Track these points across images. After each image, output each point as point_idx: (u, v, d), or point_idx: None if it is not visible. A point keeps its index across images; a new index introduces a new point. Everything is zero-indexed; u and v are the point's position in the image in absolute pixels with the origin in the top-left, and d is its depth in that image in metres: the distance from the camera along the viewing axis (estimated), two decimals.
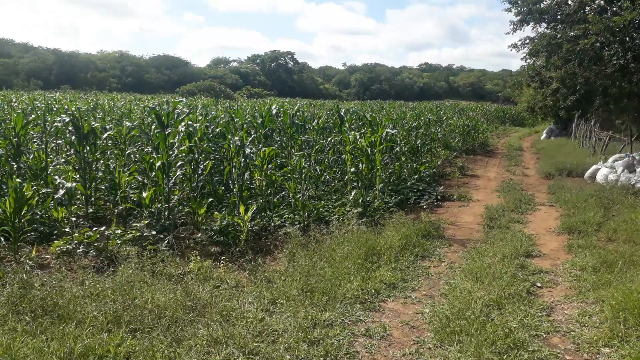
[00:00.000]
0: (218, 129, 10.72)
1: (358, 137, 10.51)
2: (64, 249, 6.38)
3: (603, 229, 8.29)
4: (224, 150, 9.62)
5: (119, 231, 6.91)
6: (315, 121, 13.36)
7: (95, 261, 6.22)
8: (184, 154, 8.59)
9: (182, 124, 8.67)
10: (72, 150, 8.59)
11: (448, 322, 4.72)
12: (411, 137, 14.91)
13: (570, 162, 15.77)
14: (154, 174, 8.01)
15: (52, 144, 11.30)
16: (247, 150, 8.67)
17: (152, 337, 4.09)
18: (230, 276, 5.84)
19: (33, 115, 12.31)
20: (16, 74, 76.14)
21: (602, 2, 12.86)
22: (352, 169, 10.23)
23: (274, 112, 12.10)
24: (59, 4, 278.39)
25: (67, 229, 6.94)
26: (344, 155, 11.05)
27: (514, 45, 15.65)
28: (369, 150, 10.06)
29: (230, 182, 9.20)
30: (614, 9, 12.46)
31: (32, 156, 9.50)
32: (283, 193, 9.24)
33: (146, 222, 7.33)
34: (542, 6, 13.78)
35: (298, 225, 8.02)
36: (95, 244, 6.48)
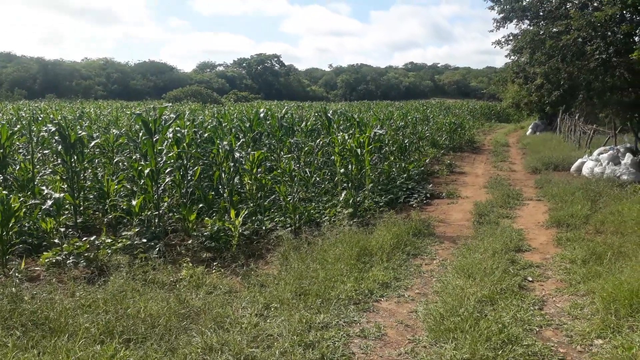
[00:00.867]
0: (206, 134, 10.68)
1: (346, 138, 10.53)
2: (54, 261, 6.30)
3: (591, 221, 8.39)
4: (213, 155, 9.58)
5: (109, 240, 6.84)
6: (304, 123, 13.37)
7: (85, 272, 6.16)
8: (172, 160, 8.54)
9: (170, 130, 8.63)
10: (59, 160, 8.50)
11: (442, 320, 4.75)
12: (399, 136, 14.98)
13: (556, 157, 15.94)
14: (142, 181, 7.96)
15: (39, 154, 11.18)
16: (237, 155, 8.65)
17: (146, 347, 4.06)
18: (223, 282, 5.81)
19: (18, 126, 12.18)
20: None
21: None
22: (342, 170, 10.25)
23: (261, 115, 12.09)
24: (42, 12, 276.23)
25: (56, 240, 6.86)
26: (333, 157, 11.06)
27: (498, 43, 15.77)
28: (357, 150, 10.08)
29: (220, 187, 9.17)
30: (595, 4, 12.62)
31: (18, 167, 9.40)
32: (273, 196, 9.23)
33: (136, 230, 7.27)
34: (524, 3, 13.91)
35: (289, 228, 8.01)
36: (86, 254, 6.41)
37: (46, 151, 11.11)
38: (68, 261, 6.25)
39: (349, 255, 6.49)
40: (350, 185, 9.87)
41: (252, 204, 8.77)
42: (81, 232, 7.80)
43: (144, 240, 7.00)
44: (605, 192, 10.24)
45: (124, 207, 8.21)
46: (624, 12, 12.07)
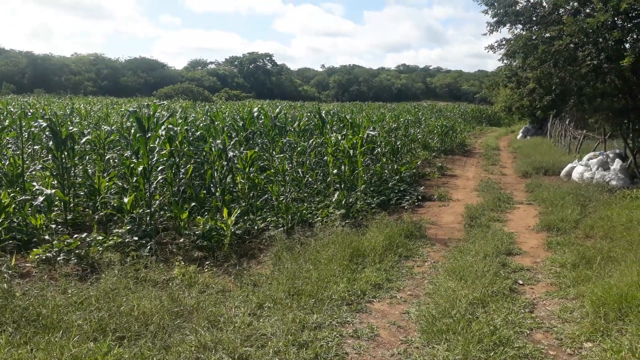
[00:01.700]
0: (199, 132, 10.64)
1: (340, 138, 10.55)
2: (44, 257, 6.25)
3: (580, 226, 8.48)
4: (205, 154, 9.55)
5: (100, 238, 6.80)
6: (297, 123, 13.37)
7: (76, 269, 6.12)
8: (164, 158, 8.50)
9: (163, 127, 8.59)
10: (49, 155, 8.43)
11: (434, 321, 4.78)
12: (391, 138, 15.02)
13: (547, 161, 16.10)
14: (134, 178, 7.92)
15: (29, 150, 11.07)
16: (230, 154, 8.63)
17: (139, 345, 4.05)
18: (216, 281, 5.80)
19: (8, 121, 12.05)
20: None
21: (575, 4, 13.10)
22: (335, 171, 10.27)
23: (255, 114, 12.07)
24: (32, 5, 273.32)
25: (46, 237, 6.80)
26: (325, 157, 11.08)
27: (491, 47, 15.80)
28: (350, 151, 10.11)
29: (212, 185, 9.14)
30: (587, 10, 12.73)
31: (7, 162, 9.30)
32: (266, 196, 9.22)
33: (127, 228, 7.23)
34: (517, 8, 13.98)
35: (282, 228, 8.01)
36: (76, 251, 6.37)
37: (36, 147, 11.01)
38: (59, 258, 6.21)
39: (341, 256, 6.51)
40: (342, 186, 9.89)
41: (244, 204, 8.76)
42: (71, 229, 7.74)
43: (135, 238, 6.96)
44: (594, 197, 10.36)
45: (115, 205, 8.16)
46: (616, 19, 12.19)
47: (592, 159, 13.75)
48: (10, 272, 5.69)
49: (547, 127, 27.26)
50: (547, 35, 12.99)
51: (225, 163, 8.61)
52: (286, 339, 4.35)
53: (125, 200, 7.62)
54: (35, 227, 7.13)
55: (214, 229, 7.35)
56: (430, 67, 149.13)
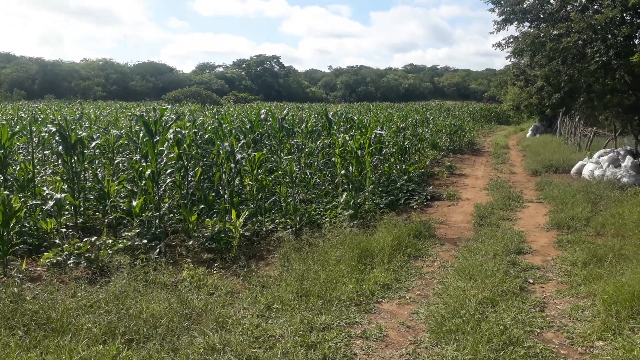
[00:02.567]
0: (207, 135, 10.68)
1: (347, 139, 10.54)
2: (54, 261, 6.30)
3: (591, 224, 8.40)
4: (213, 156, 9.59)
5: (110, 241, 6.85)
6: (304, 125, 13.38)
7: (86, 272, 6.16)
8: (173, 161, 8.54)
9: (171, 131, 8.63)
10: (59, 160, 8.50)
11: (443, 321, 4.75)
12: (399, 138, 14.99)
13: (557, 159, 15.96)
14: (143, 182, 7.96)
15: (39, 155, 11.18)
16: (238, 156, 8.65)
17: (148, 347, 4.06)
18: (224, 283, 5.81)
19: (18, 127, 12.18)
20: None
21: (583, 0, 13.03)
22: (342, 172, 10.26)
23: (262, 116, 12.10)
24: (41, 12, 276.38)
25: (56, 240, 6.87)
26: (333, 158, 11.07)
27: (499, 45, 15.75)
28: (358, 152, 10.09)
29: (220, 188, 9.17)
30: (595, 7, 12.64)
31: (18, 167, 9.39)
32: (274, 197, 9.23)
33: (137, 231, 7.28)
34: (524, 5, 13.92)
35: (290, 230, 8.01)
36: (86, 255, 6.42)
37: (46, 152, 11.11)
38: (69, 261, 6.26)
39: (350, 257, 6.50)
40: (350, 186, 9.88)
41: (252, 205, 8.77)
42: (81, 232, 7.80)
43: (145, 241, 7.00)
44: (605, 194, 10.25)
45: (125, 208, 8.22)
46: (624, 14, 12.10)
47: (602, 156, 13.62)
48: (20, 276, 5.75)
49: (557, 125, 27.05)
50: (555, 32, 12.93)
51: (234, 165, 8.63)
52: (294, 340, 4.34)
53: (134, 203, 7.67)
54: (46, 232, 7.20)
55: (223, 231, 7.38)
56: (438, 67, 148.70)
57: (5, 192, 6.61)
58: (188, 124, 10.82)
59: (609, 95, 13.69)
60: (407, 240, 7.48)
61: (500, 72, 43.73)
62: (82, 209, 8.49)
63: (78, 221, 7.98)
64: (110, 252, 6.56)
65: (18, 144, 11.33)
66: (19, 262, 6.33)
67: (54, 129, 8.33)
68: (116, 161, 9.99)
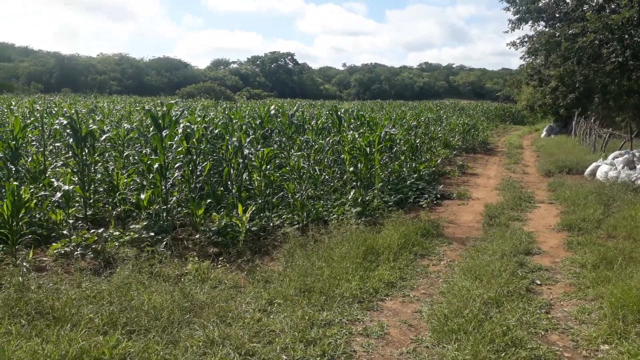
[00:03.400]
0: (217, 130, 10.71)
1: (356, 136, 10.49)
2: (62, 252, 6.36)
3: (603, 226, 8.26)
4: (222, 151, 9.60)
5: (117, 233, 6.90)
6: (314, 121, 13.35)
7: (93, 263, 6.21)
8: (181, 156, 8.57)
9: (180, 125, 8.66)
10: (70, 152, 8.58)
11: (446, 321, 4.70)
12: (411, 136, 14.89)
13: (571, 160, 15.74)
14: (152, 175, 8.00)
15: (51, 147, 11.30)
16: (246, 151, 8.66)
17: (148, 339, 4.07)
18: (228, 277, 5.82)
19: (32, 119, 12.31)
20: (17, 77, 76.41)
21: (600, 0, 12.83)
22: (351, 169, 10.21)
23: (272, 112, 12.09)
24: (59, 7, 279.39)
25: (65, 232, 6.93)
26: (342, 155, 11.03)
27: (513, 44, 15.62)
28: (367, 149, 10.04)
29: (228, 182, 9.18)
30: (612, 6, 12.45)
31: (30, 159, 9.50)
32: (282, 193, 9.23)
33: (144, 223, 7.31)
34: (540, 5, 13.76)
35: (297, 226, 8.00)
36: (93, 246, 6.47)
37: (58, 144, 11.22)
38: (76, 252, 6.31)
39: (355, 254, 6.47)
40: (359, 184, 9.83)
41: (260, 201, 8.78)
42: (90, 224, 7.86)
43: (152, 234, 7.04)
44: (619, 196, 10.08)
45: (133, 201, 8.27)
46: None
47: (617, 157, 13.40)
48: (27, 265, 5.81)
49: (572, 126, 26.69)
50: (571, 32, 12.76)
51: (242, 160, 8.64)
52: (294, 335, 4.33)
53: (143, 196, 7.71)
54: (55, 223, 7.27)
55: (229, 226, 7.39)
56: (453, 66, 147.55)
57: (16, 183, 6.68)
58: (198, 119, 10.85)
59: (625, 96, 13.50)
60: (415, 239, 7.43)
61: (516, 71, 43.29)
62: (91, 201, 8.56)
63: (87, 213, 8.04)
64: (117, 244, 6.61)
65: (31, 136, 11.48)
66: (27, 252, 6.40)
67: (65, 122, 8.40)
68: (126, 154, 10.05)
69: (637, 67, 11.92)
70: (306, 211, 8.36)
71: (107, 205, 8.94)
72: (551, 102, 23.87)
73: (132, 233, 6.97)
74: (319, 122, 13.30)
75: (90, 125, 8.93)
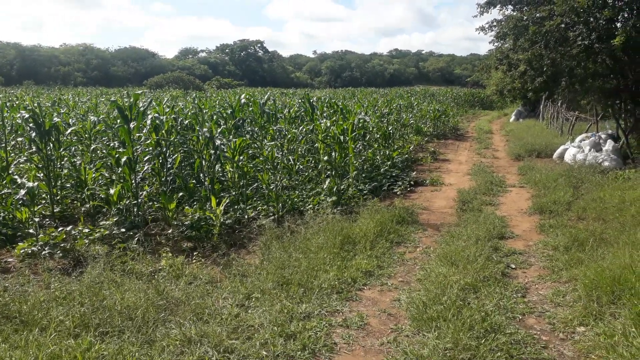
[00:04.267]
0: (186, 121, 10.47)
1: (329, 124, 10.40)
2: (29, 251, 6.12)
3: (573, 208, 8.42)
4: (193, 143, 9.40)
5: (87, 230, 6.68)
6: (287, 110, 13.20)
7: (62, 262, 6.00)
8: (151, 148, 8.35)
9: (149, 116, 8.42)
10: (34, 147, 8.25)
11: (425, 309, 4.70)
12: (383, 123, 14.89)
13: (539, 143, 16.02)
14: (120, 169, 7.77)
15: (13, 142, 10.87)
16: (217, 142, 8.48)
17: (122, 340, 3.94)
18: (204, 272, 5.70)
19: None
20: None
21: None
22: (325, 158, 10.13)
23: (243, 101, 11.89)
24: None
25: (31, 230, 6.67)
26: (316, 144, 10.94)
27: (482, 29, 15.66)
28: (341, 137, 9.97)
29: (200, 175, 9.00)
30: None
31: None
32: (256, 184, 9.10)
33: (115, 219, 7.12)
34: None
35: (272, 217, 7.90)
36: (62, 245, 6.25)
37: (20, 138, 10.81)
38: (43, 252, 6.08)
39: (332, 244, 6.42)
40: (334, 173, 9.77)
41: (234, 193, 8.64)
42: (58, 222, 7.61)
43: (123, 230, 6.85)
44: (587, 178, 10.29)
45: (102, 196, 8.03)
46: None
47: (584, 140, 13.69)
48: None
49: (540, 110, 27.17)
50: (538, 15, 12.86)
51: (213, 151, 8.46)
52: (273, 330, 4.26)
53: (112, 191, 7.48)
54: (20, 221, 7.00)
55: (203, 219, 7.25)
56: (423, 52, 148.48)
57: None
58: (167, 110, 10.58)
59: (591, 79, 13.67)
60: (390, 227, 7.43)
61: (485, 57, 43.68)
62: (58, 197, 8.28)
63: (54, 210, 7.78)
64: (86, 241, 6.40)
65: None
66: None
67: (26, 115, 8.07)
68: (93, 148, 9.75)
69: (602, 50, 12.09)
70: (281, 202, 8.27)
71: (75, 202, 8.67)
72: (520, 87, 24.18)
73: (102, 230, 6.77)
74: (291, 110, 13.16)
75: (54, 118, 8.61)
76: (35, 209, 6.99)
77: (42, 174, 7.95)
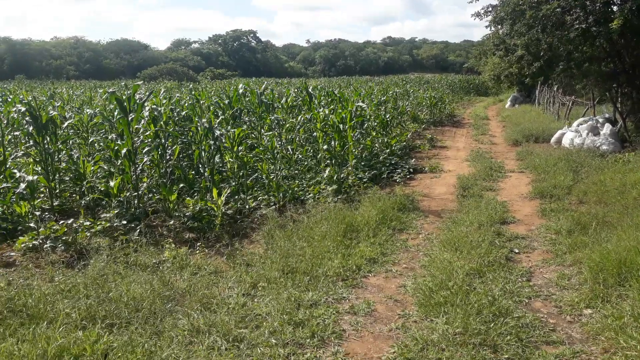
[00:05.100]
0: (184, 112, 10.39)
1: (328, 113, 10.35)
2: (30, 245, 6.08)
3: (573, 192, 8.43)
4: (192, 134, 9.33)
5: (88, 223, 6.64)
6: (284, 99, 13.13)
7: (64, 256, 5.96)
8: (150, 140, 8.28)
9: (147, 108, 8.34)
10: (31, 141, 8.17)
11: (431, 294, 4.70)
12: (380, 111, 14.84)
13: (536, 128, 16.01)
14: (120, 161, 7.71)
15: (9, 137, 10.76)
16: (216, 132, 8.42)
17: (130, 331, 3.92)
18: (208, 262, 5.68)
19: None
20: None
21: None
22: (325, 147, 10.10)
23: (240, 91, 11.82)
24: None
25: (32, 224, 6.62)
26: (315, 133, 10.89)
27: (477, 14, 15.57)
28: (340, 126, 9.93)
29: (200, 166, 8.95)
30: None
31: None
32: (256, 174, 9.06)
33: (115, 212, 7.07)
34: None
35: (274, 207, 7.87)
36: (64, 238, 6.20)
37: (17, 133, 10.70)
38: (45, 245, 6.04)
39: (335, 232, 6.40)
40: (333, 161, 9.74)
41: (234, 183, 8.60)
42: (58, 215, 7.55)
43: (124, 222, 6.81)
44: (586, 162, 10.31)
45: (102, 189, 7.98)
46: None
47: (581, 124, 13.68)
48: None
49: (535, 95, 27.15)
50: None
51: (213, 142, 8.41)
52: (281, 318, 4.25)
53: (112, 183, 7.43)
54: (20, 215, 6.94)
55: (204, 210, 7.22)
56: (416, 39, 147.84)
57: None
58: (164, 101, 10.50)
59: (588, 63, 13.65)
60: (392, 214, 7.42)
61: (479, 43, 43.57)
62: (57, 191, 8.22)
63: (54, 204, 7.72)
64: (88, 234, 6.37)
65: None
66: None
67: (23, 109, 7.98)
68: (91, 140, 9.67)
69: (599, 33, 12.05)
70: (282, 191, 8.24)
71: (74, 195, 8.60)
72: (517, 72, 24.17)
73: (103, 222, 6.73)
74: (288, 100, 13.09)
75: (51, 112, 8.52)
76: (35, 203, 6.93)
77: (40, 168, 7.88)
